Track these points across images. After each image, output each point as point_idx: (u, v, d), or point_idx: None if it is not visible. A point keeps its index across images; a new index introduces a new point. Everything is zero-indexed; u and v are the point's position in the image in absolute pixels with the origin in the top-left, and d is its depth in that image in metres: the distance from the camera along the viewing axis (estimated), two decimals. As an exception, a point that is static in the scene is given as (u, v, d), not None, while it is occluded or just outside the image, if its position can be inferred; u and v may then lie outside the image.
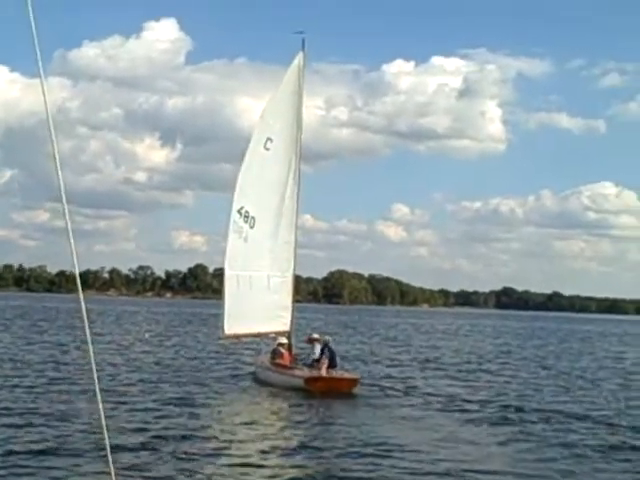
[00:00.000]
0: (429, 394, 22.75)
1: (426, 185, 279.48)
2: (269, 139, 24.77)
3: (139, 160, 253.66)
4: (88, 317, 4.77)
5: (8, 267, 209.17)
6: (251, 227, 24.56)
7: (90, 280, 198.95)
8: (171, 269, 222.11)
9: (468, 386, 25.57)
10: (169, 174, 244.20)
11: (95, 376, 4.90)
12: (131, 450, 13.03)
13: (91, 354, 4.77)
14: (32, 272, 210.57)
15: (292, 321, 25.29)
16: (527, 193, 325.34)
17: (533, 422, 18.24)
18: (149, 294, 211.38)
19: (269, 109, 25.29)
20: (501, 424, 17.91)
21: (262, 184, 24.72)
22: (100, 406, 4.99)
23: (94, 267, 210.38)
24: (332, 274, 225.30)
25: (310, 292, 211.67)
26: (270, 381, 23.23)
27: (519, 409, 20.16)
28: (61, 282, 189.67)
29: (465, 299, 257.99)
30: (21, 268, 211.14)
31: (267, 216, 24.92)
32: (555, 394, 24.33)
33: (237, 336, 25.18)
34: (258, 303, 24.60)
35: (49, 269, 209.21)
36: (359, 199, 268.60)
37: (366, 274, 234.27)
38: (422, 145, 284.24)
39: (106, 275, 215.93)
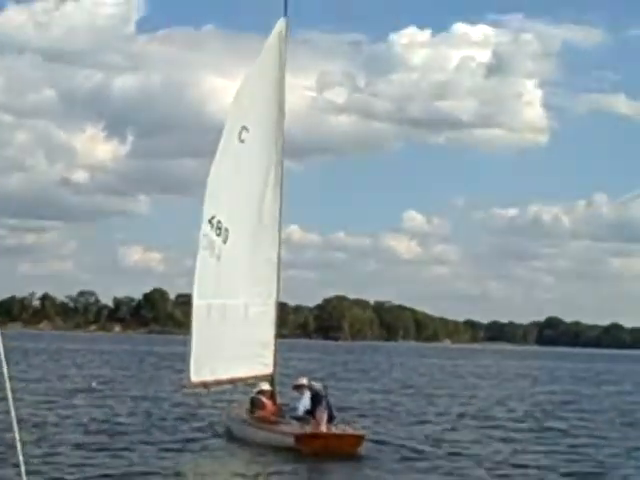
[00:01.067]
0: (465, 456, 22.59)
1: (446, 187, 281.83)
2: (244, 128, 25.00)
3: (79, 156, 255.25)
4: (8, 358, 4.62)
5: None
6: (224, 242, 24.55)
7: (15, 310, 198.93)
8: (121, 295, 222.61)
9: (523, 450, 24.73)
10: (117, 173, 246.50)
11: (18, 441, 4.74)
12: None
13: (12, 409, 4.64)
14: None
15: (275, 362, 25.34)
16: (576, 197, 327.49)
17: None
18: (92, 327, 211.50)
19: (244, 90, 25.60)
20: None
21: (236, 186, 24.89)
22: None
23: (21, 294, 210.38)
24: (328, 301, 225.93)
25: (300, 324, 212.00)
26: (249, 439, 23.32)
27: None
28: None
29: (498, 333, 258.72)
30: None
31: (243, 228, 25.11)
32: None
33: (206, 384, 25.03)
34: (232, 339, 24.78)
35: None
36: (361, 205, 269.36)
37: (371, 301, 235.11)
38: (441, 136, 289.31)
39: (37, 303, 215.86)
